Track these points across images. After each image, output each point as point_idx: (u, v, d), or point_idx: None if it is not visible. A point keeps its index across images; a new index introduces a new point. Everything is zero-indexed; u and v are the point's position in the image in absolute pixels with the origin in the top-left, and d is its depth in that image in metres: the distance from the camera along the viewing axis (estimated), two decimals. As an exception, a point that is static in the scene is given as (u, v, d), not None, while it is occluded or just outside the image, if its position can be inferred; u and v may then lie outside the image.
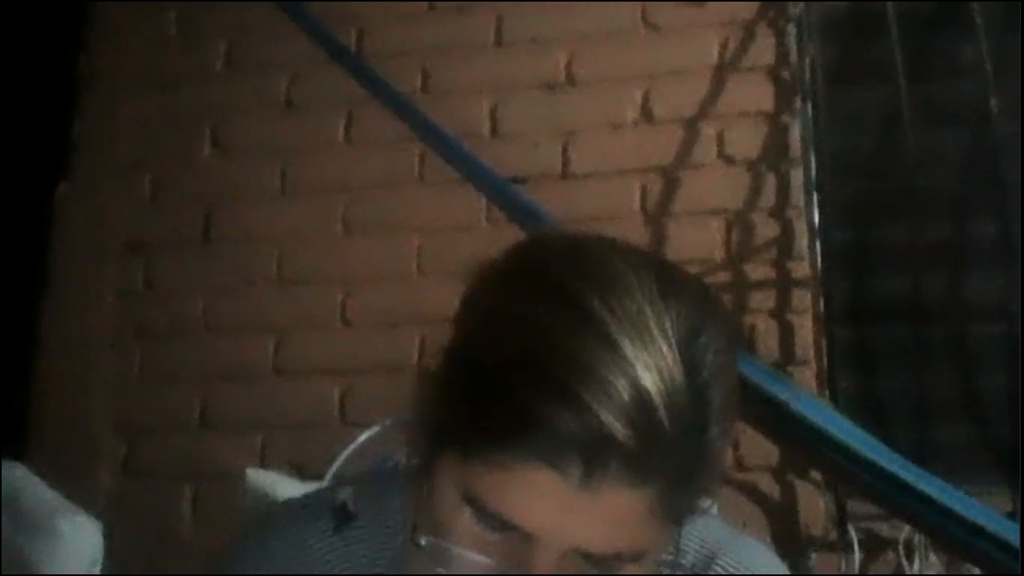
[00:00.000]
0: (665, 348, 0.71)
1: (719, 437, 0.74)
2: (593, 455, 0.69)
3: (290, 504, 0.98)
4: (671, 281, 0.76)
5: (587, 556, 0.73)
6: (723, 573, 0.89)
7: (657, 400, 0.69)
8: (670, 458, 0.71)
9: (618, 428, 0.69)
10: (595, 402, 0.69)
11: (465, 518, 0.75)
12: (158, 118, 2.97)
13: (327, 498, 0.91)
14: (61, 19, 2.98)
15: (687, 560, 0.89)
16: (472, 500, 0.74)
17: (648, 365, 0.70)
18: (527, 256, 0.79)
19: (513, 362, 0.72)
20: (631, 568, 0.75)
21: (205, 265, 2.83)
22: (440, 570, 0.75)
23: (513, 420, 0.70)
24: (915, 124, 2.49)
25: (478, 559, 0.74)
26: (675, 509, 0.75)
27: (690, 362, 0.72)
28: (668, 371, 0.71)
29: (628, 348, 0.70)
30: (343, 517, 0.84)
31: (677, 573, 0.88)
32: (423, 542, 0.76)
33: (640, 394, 0.69)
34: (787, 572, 0.94)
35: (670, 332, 0.72)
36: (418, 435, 0.78)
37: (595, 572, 0.75)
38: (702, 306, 0.76)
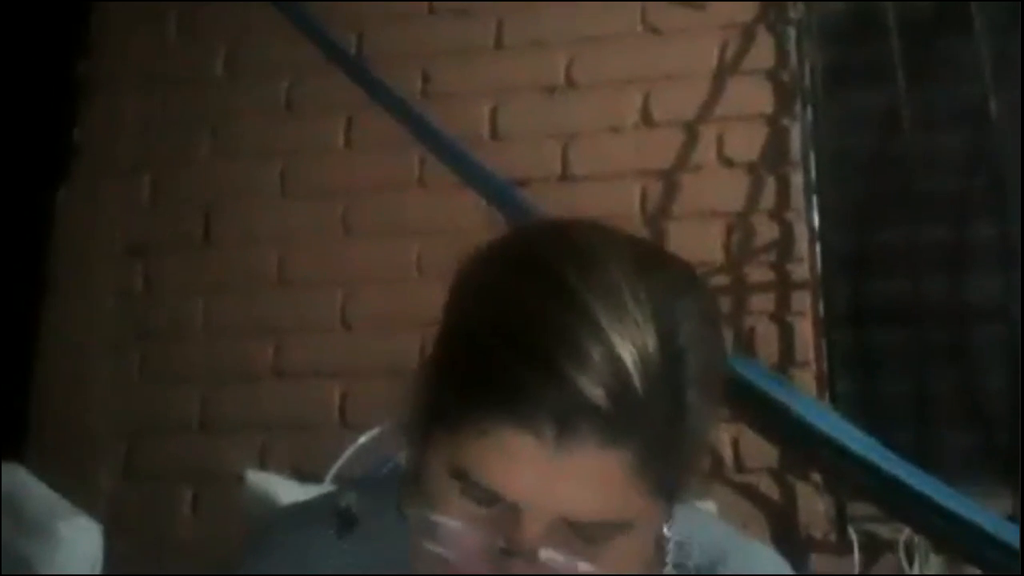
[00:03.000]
0: (638, 315, 0.73)
1: (699, 404, 0.75)
2: (565, 416, 0.71)
3: (293, 509, 0.98)
4: (649, 257, 0.79)
5: (573, 525, 0.74)
6: (729, 575, 0.89)
7: (628, 362, 0.71)
8: (644, 420, 0.72)
9: (589, 389, 0.70)
10: (566, 365, 0.70)
11: (455, 495, 0.76)
12: (159, 120, 2.97)
13: (330, 503, 0.91)
14: (62, 21, 2.98)
15: (693, 562, 0.89)
16: (458, 473, 0.75)
17: (620, 331, 0.72)
18: (511, 239, 0.82)
19: (493, 332, 0.74)
20: (620, 541, 0.76)
21: (205, 267, 2.83)
22: (425, 542, 0.76)
23: (490, 385, 0.72)
24: (915, 126, 2.49)
25: (462, 528, 0.75)
26: (657, 477, 0.75)
27: (664, 329, 0.73)
28: (640, 336, 0.72)
29: (601, 315, 0.72)
30: (346, 522, 0.84)
31: (683, 574, 0.88)
32: (409, 513, 0.77)
33: (611, 356, 0.71)
34: (794, 575, 0.94)
35: (644, 301, 0.73)
36: (411, 422, 0.80)
37: (583, 544, 0.75)
38: (679, 279, 0.78)
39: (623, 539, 0.76)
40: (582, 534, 0.75)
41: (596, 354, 0.71)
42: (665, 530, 0.89)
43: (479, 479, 0.74)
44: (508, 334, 0.73)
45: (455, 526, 0.75)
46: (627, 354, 0.71)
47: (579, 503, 0.73)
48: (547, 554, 0.73)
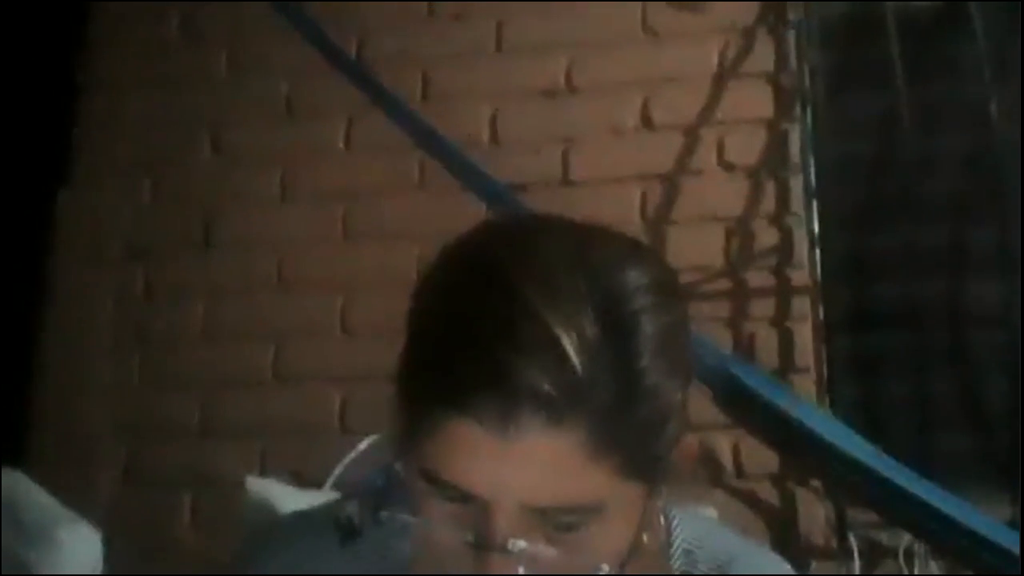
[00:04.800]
0: (575, 296, 0.74)
1: (658, 369, 0.75)
2: (508, 403, 0.71)
3: (293, 518, 0.98)
4: (588, 237, 0.80)
5: (541, 514, 0.74)
6: None
7: (565, 342, 0.72)
8: (590, 397, 0.72)
9: (528, 373, 0.71)
10: (505, 352, 0.71)
11: (430, 497, 0.77)
12: (159, 122, 2.97)
13: (331, 512, 0.91)
14: (62, 22, 2.98)
15: (700, 570, 0.89)
16: (425, 473, 0.76)
17: (555, 313, 0.72)
18: (457, 241, 0.82)
19: (438, 330, 0.76)
20: (597, 527, 0.76)
21: (205, 270, 2.83)
22: (401, 543, 0.78)
23: (438, 380, 0.74)
24: (914, 129, 2.49)
25: (434, 527, 0.76)
26: (622, 454, 0.74)
27: (606, 305, 0.74)
28: (577, 316, 0.73)
29: (536, 300, 0.73)
30: (347, 532, 0.84)
31: None
32: (383, 516, 0.78)
33: (547, 339, 0.72)
34: None
35: (582, 281, 0.74)
36: (393, 431, 0.80)
37: (557, 532, 0.75)
38: (621, 253, 0.79)
39: (600, 525, 0.76)
40: (553, 522, 0.75)
41: (533, 339, 0.72)
42: (661, 519, 0.90)
43: (443, 477, 0.75)
44: (451, 329, 0.75)
45: (427, 525, 0.77)
46: (564, 335, 0.72)
47: (536, 488, 0.74)
48: (517, 545, 0.74)
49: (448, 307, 0.77)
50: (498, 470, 0.73)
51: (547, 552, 0.74)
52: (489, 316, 0.73)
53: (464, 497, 0.75)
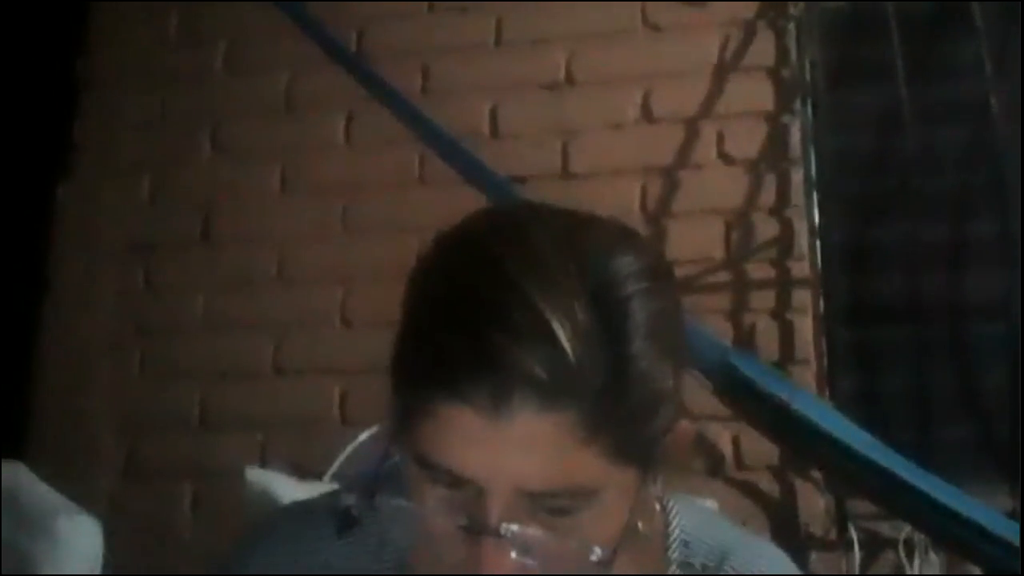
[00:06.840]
0: (566, 280, 0.74)
1: (649, 353, 0.76)
2: (500, 387, 0.72)
3: (293, 508, 0.98)
4: (579, 224, 0.80)
5: (534, 498, 0.75)
6: (734, 574, 0.89)
7: (556, 327, 0.72)
8: (582, 381, 0.73)
9: (520, 357, 0.72)
10: (497, 336, 0.72)
11: (426, 484, 0.77)
12: (158, 118, 2.97)
13: (330, 502, 0.91)
14: (61, 19, 2.98)
15: (697, 560, 0.89)
16: (420, 460, 0.76)
17: (547, 298, 0.73)
18: (450, 229, 0.83)
19: (431, 315, 0.77)
20: (590, 512, 0.76)
21: (205, 265, 2.84)
22: (395, 529, 0.79)
23: (431, 365, 0.75)
24: (915, 124, 2.49)
25: (429, 512, 0.77)
26: (615, 439, 0.75)
27: (598, 289, 0.75)
28: (569, 300, 0.73)
29: (528, 285, 0.73)
30: (347, 522, 0.84)
31: (688, 573, 0.89)
32: (377, 503, 0.79)
33: (539, 323, 0.72)
34: (799, 573, 0.94)
35: (573, 266, 0.75)
36: (390, 420, 0.81)
37: (551, 517, 0.75)
38: (612, 239, 0.79)
39: (593, 509, 0.76)
40: (546, 506, 0.75)
41: (525, 324, 0.72)
42: (659, 508, 0.90)
43: (436, 461, 0.75)
44: (444, 315, 0.75)
45: (420, 510, 0.77)
46: (555, 320, 0.72)
47: (529, 472, 0.74)
48: (510, 529, 0.74)
49: (441, 293, 0.77)
50: (490, 454, 0.73)
51: (540, 536, 0.75)
52: (481, 302, 0.74)
53: (457, 482, 0.75)
